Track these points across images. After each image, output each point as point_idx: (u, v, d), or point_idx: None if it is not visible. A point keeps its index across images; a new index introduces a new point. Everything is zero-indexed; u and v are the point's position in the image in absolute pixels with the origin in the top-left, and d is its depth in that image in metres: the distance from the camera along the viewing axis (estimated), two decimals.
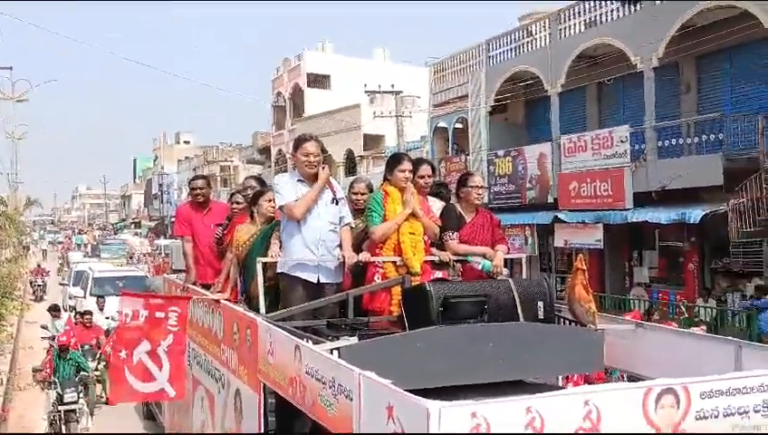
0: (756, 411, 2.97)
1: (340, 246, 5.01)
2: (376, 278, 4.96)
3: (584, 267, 4.82)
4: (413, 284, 4.77)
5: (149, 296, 6.06)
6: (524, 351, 4.02)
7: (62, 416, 9.78)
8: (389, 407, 2.66)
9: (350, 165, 34.40)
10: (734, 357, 3.88)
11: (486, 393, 3.01)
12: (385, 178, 5.21)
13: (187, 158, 60.33)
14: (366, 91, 30.59)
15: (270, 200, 5.66)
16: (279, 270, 5.01)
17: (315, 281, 4.95)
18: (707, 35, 15.14)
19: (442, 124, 24.40)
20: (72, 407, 9.85)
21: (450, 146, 24.19)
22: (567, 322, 4.87)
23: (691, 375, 2.99)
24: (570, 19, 18.91)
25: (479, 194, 5.34)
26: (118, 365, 5.60)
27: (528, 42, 20.46)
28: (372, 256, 4.98)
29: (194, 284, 6.78)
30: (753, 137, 14.40)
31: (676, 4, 15.56)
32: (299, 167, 5.10)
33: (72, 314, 15.80)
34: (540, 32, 19.96)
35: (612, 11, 17.57)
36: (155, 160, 73.77)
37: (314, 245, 4.94)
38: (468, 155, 22.46)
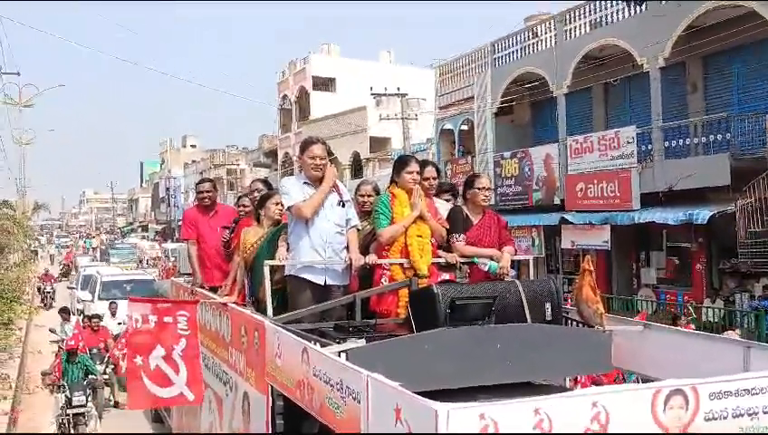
0: (765, 413, 2.96)
1: (347, 248, 5.03)
2: (383, 280, 4.96)
3: (591, 268, 4.82)
4: (420, 286, 4.77)
5: (157, 301, 6.07)
6: (532, 352, 4.01)
7: (71, 419, 9.82)
8: (397, 409, 2.66)
9: (357, 167, 34.43)
10: (742, 358, 3.87)
11: (494, 395, 3.01)
12: (392, 181, 5.21)
13: (193, 161, 60.47)
14: (372, 94, 30.66)
15: (277, 203, 5.67)
16: (287, 272, 5.03)
17: (323, 283, 4.96)
18: (714, 35, 15.10)
19: (448, 126, 24.40)
20: (81, 410, 9.89)
21: (456, 148, 24.19)
22: (574, 323, 4.86)
23: (699, 376, 2.99)
24: (575, 20, 18.89)
25: (486, 196, 5.32)
26: (135, 371, 5.58)
27: (534, 43, 20.44)
28: (379, 258, 4.99)
29: (201, 287, 6.80)
30: (761, 136, 14.35)
31: (682, 4, 15.53)
32: (305, 169, 5.12)
33: (81, 317, 15.87)
34: (545, 33, 19.94)
35: (618, 11, 17.54)
36: (162, 164, 73.96)
37: (321, 247, 4.96)
38: (474, 157, 22.45)
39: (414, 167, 5.12)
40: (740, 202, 13.77)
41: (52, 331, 13.75)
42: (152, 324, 5.58)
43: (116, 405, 12.14)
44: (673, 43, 15.75)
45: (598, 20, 18.19)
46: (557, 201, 18.88)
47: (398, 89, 28.53)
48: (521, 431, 2.49)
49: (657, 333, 4.64)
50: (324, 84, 40.62)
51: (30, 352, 16.35)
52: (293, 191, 5.02)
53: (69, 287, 25.87)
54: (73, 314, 17.29)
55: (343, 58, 41.94)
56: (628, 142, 16.62)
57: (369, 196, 5.69)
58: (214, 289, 6.51)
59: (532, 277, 5.97)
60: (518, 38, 21.09)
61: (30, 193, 49.30)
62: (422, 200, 5.09)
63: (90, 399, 10.17)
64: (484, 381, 3.76)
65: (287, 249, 5.10)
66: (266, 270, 4.85)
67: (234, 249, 6.27)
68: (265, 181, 7.16)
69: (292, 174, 25.90)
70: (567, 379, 5.26)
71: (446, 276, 5.07)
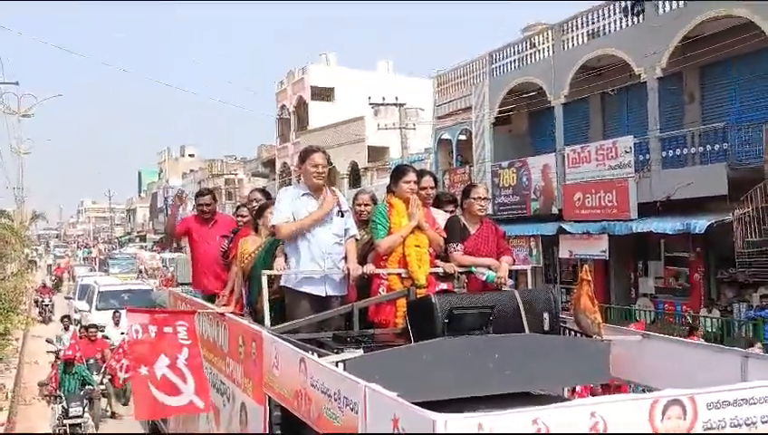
0: (764, 422, 2.95)
1: (345, 258, 5.02)
2: (381, 290, 4.95)
3: (589, 278, 4.82)
4: (418, 296, 4.77)
5: (155, 311, 6.05)
6: (530, 362, 4.01)
7: (68, 430, 9.80)
8: (395, 419, 2.65)
9: (355, 177, 34.47)
10: (740, 368, 3.87)
11: (492, 405, 3.00)
12: (389, 190, 5.21)
13: (192, 171, 60.51)
14: (370, 104, 30.71)
15: None
16: (283, 283, 5.01)
17: (323, 295, 4.94)
18: (711, 45, 15.17)
19: (446, 136, 24.45)
20: (78, 421, 9.87)
21: (454, 158, 24.23)
22: (572, 333, 4.86)
23: (697, 386, 2.98)
24: (572, 30, 18.97)
25: (482, 205, 5.32)
26: (141, 382, 5.53)
27: (531, 53, 20.52)
28: (377, 268, 4.98)
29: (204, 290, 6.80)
30: (758, 146, 14.40)
31: (679, 14, 15.60)
32: (306, 178, 5.09)
33: (78, 327, 15.82)
34: (543, 43, 20.02)
35: (615, 22, 17.62)
36: (160, 174, 73.98)
37: (321, 258, 4.94)
38: (472, 166, 22.49)
39: (411, 176, 5.12)
40: (737, 212, 13.80)
41: (49, 341, 13.71)
42: (152, 334, 5.55)
43: (113, 416, 12.09)
44: (670, 53, 15.82)
45: (595, 30, 18.27)
46: (555, 211, 18.90)
47: (397, 99, 28.61)
48: None
49: (655, 342, 4.63)
50: (323, 94, 40.72)
51: (27, 363, 16.31)
52: (284, 206, 5.00)
53: (66, 297, 25.80)
54: (72, 324, 17.23)
55: (342, 68, 42.06)
56: (626, 152, 16.66)
57: (366, 205, 5.68)
58: (212, 298, 6.50)
59: (530, 287, 5.97)
60: (516, 48, 21.17)
61: (27, 202, 49.27)
62: (420, 210, 5.09)
63: (86, 409, 10.13)
64: (482, 392, 3.75)
65: (285, 259, 5.09)
66: (264, 280, 4.84)
67: (232, 259, 6.26)
68: (264, 191, 7.15)
69: (290, 184, 25.92)
70: (565, 389, 5.25)
71: (443, 286, 5.06)
